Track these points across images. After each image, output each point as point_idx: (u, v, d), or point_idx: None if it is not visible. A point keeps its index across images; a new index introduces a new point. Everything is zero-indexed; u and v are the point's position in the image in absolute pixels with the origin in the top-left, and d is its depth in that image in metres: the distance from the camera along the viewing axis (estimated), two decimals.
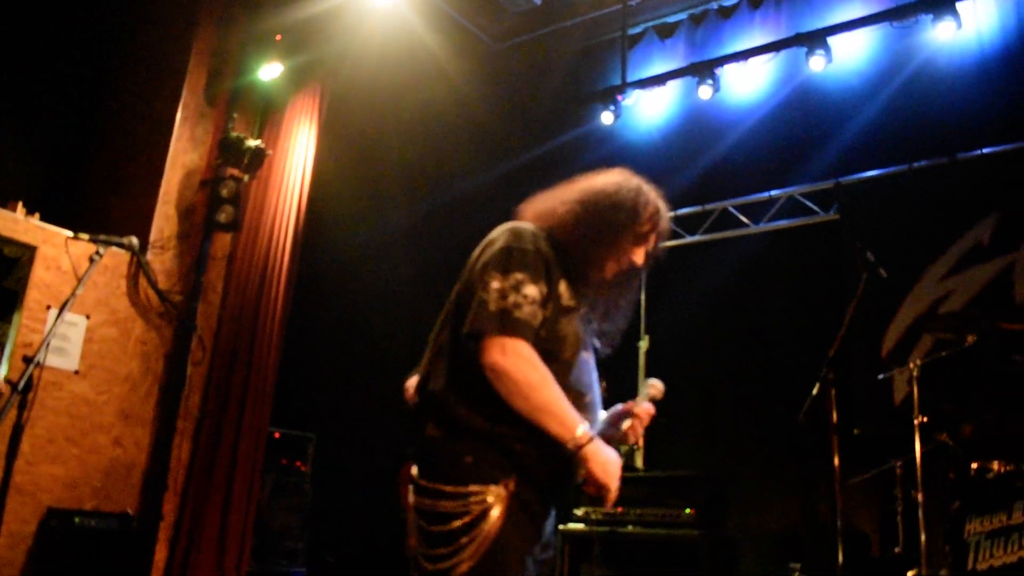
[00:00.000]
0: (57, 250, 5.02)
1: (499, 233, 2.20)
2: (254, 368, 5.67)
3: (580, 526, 5.23)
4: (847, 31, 6.08)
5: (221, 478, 5.42)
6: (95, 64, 6.19)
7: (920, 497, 4.02)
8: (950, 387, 4.49)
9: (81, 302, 4.97)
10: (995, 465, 3.75)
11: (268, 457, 5.80)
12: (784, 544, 5.54)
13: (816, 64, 6.05)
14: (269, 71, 6.00)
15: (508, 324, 2.01)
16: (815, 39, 6.04)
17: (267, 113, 6.28)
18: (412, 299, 7.09)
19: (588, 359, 2.24)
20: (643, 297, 6.21)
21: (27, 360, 3.64)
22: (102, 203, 5.81)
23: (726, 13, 6.96)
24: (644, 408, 2.34)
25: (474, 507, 1.98)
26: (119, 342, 5.33)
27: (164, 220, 5.67)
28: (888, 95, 5.99)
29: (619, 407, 2.39)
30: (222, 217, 5.71)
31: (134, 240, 5.19)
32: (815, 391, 4.08)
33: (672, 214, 3.06)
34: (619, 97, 6.84)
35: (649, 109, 7.10)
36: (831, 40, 6.04)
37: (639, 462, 5.73)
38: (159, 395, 5.53)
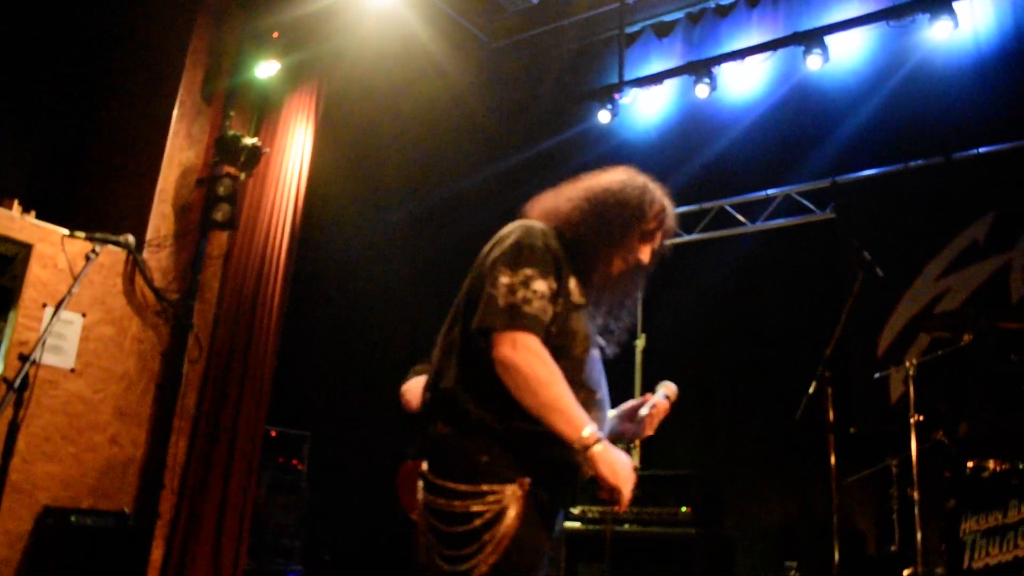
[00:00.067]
0: (53, 248, 5.01)
1: (509, 230, 2.20)
2: (250, 366, 5.66)
3: (577, 524, 5.23)
4: (844, 30, 6.08)
5: (217, 476, 5.42)
6: (92, 62, 6.18)
7: (916, 495, 4.03)
8: (946, 386, 4.49)
9: (77, 300, 4.95)
10: (991, 464, 3.75)
11: (264, 455, 5.80)
12: (781, 542, 5.55)
13: (813, 63, 6.06)
14: (266, 69, 5.99)
15: (518, 319, 2.00)
16: (812, 38, 6.05)
17: (264, 111, 6.28)
18: (409, 297, 7.10)
19: (597, 357, 2.24)
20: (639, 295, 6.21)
21: (23, 358, 3.63)
22: (98, 201, 5.80)
23: (723, 12, 6.97)
24: (661, 402, 2.35)
25: (491, 507, 1.97)
26: (115, 340, 5.32)
27: (160, 218, 5.66)
28: (885, 94, 6.00)
29: (630, 403, 2.39)
30: (218, 215, 5.70)
31: (130, 238, 5.17)
32: (811, 390, 4.09)
33: None
34: (616, 96, 6.84)
35: (646, 108, 7.10)
36: (828, 39, 6.04)
37: (635, 460, 5.74)
38: (155, 393, 5.52)
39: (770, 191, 6.47)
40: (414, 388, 4.09)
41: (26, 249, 4.92)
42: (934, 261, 5.56)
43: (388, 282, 7.22)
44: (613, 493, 1.98)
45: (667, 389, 2.40)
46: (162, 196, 5.67)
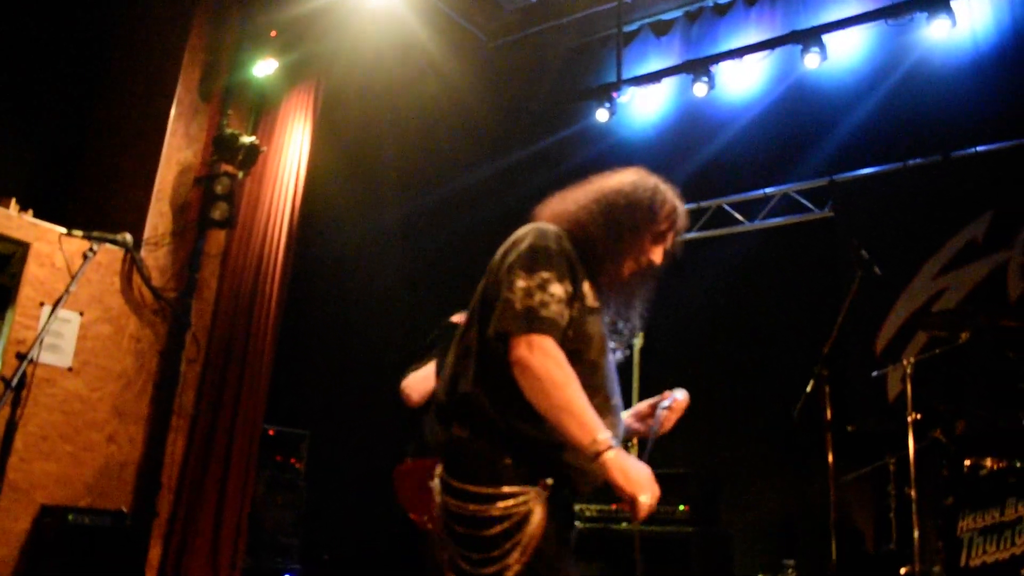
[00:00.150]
0: (51, 247, 5.00)
1: (523, 233, 2.19)
2: (248, 365, 5.66)
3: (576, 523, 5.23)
4: (842, 29, 6.08)
5: (215, 475, 5.41)
6: (90, 60, 6.17)
7: (914, 494, 4.03)
8: (944, 384, 4.50)
9: (75, 299, 4.95)
10: (988, 462, 3.76)
11: (262, 454, 5.80)
12: (778, 540, 5.55)
13: (811, 62, 6.06)
14: (264, 67, 5.99)
15: (535, 322, 2.00)
16: (810, 37, 6.05)
17: (262, 110, 6.27)
18: (407, 296, 7.10)
19: (611, 361, 2.23)
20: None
21: (20, 357, 3.63)
22: (96, 200, 5.80)
23: (721, 11, 6.96)
24: (679, 399, 2.35)
25: (517, 509, 1.97)
26: (113, 339, 5.32)
27: (158, 217, 5.66)
28: (883, 93, 6.00)
29: (644, 403, 2.39)
30: (216, 214, 5.70)
31: (128, 237, 5.17)
32: (809, 388, 4.09)
33: None
34: (614, 94, 6.83)
35: (644, 106, 7.10)
36: (826, 38, 6.04)
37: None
38: (153, 392, 5.52)
39: (768, 190, 6.47)
40: (414, 382, 4.10)
41: (23, 248, 4.91)
42: (932, 259, 5.56)
43: (386, 280, 7.21)
44: (629, 502, 1.93)
45: (680, 392, 2.40)
46: (160, 195, 5.67)
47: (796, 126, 6.33)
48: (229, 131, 5.80)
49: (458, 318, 4.21)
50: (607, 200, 2.24)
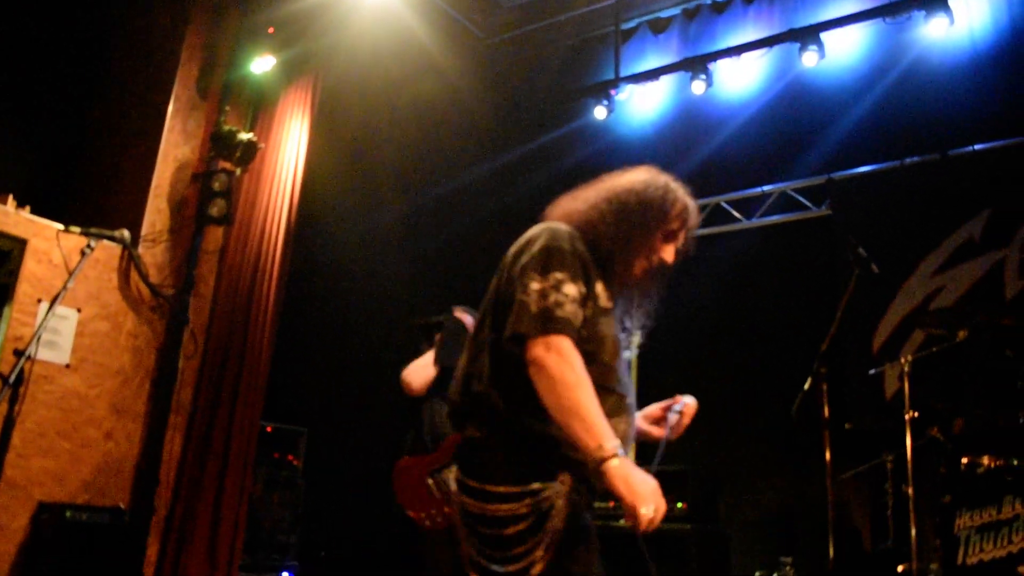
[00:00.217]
0: (48, 243, 4.99)
1: (536, 233, 2.18)
2: (246, 362, 5.65)
3: None
4: (840, 27, 6.09)
5: (213, 472, 5.41)
6: (87, 57, 6.16)
7: (911, 491, 4.04)
8: (941, 382, 4.51)
9: (72, 295, 4.94)
10: (985, 460, 3.77)
11: (260, 451, 5.79)
12: (776, 538, 5.57)
13: (809, 60, 6.07)
14: (261, 64, 5.97)
15: (551, 323, 1.99)
16: (808, 35, 6.05)
17: (259, 106, 6.26)
18: (405, 292, 7.09)
19: (624, 360, 2.23)
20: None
21: (18, 353, 3.63)
22: (93, 196, 5.79)
23: (719, 8, 6.97)
24: (690, 404, 2.37)
25: (537, 506, 1.97)
26: (110, 336, 5.31)
27: (156, 213, 5.65)
28: (881, 91, 6.01)
29: (655, 406, 2.39)
30: (214, 211, 5.68)
31: (125, 233, 5.18)
32: (807, 386, 4.10)
33: None
34: (612, 92, 6.84)
35: (642, 104, 7.10)
36: (824, 36, 6.05)
37: (631, 457, 5.73)
38: (151, 389, 5.51)
39: (766, 187, 6.47)
40: (414, 370, 4.12)
41: (21, 244, 4.90)
42: (930, 258, 5.57)
43: (384, 277, 7.21)
44: (631, 513, 1.88)
45: (689, 398, 2.41)
46: (157, 191, 5.65)
47: (794, 124, 6.34)
48: (227, 128, 5.79)
49: (459, 312, 4.22)
50: (618, 199, 2.24)
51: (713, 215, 6.71)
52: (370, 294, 7.11)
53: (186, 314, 5.65)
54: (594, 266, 2.14)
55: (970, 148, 5.59)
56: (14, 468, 4.62)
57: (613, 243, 2.18)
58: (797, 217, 6.38)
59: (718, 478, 5.40)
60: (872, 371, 5.03)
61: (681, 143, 6.73)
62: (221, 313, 5.75)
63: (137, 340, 5.46)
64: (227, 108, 5.99)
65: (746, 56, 6.51)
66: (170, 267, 5.67)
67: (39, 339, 3.77)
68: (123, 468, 5.31)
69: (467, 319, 4.20)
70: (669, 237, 2.29)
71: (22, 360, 3.59)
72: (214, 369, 5.62)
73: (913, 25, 5.88)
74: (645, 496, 1.88)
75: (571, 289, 2.04)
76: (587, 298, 2.09)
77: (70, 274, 4.03)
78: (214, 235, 5.96)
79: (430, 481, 3.86)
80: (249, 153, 5.78)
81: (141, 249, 5.50)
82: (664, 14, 7.26)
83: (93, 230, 4.43)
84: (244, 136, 5.75)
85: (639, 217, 2.22)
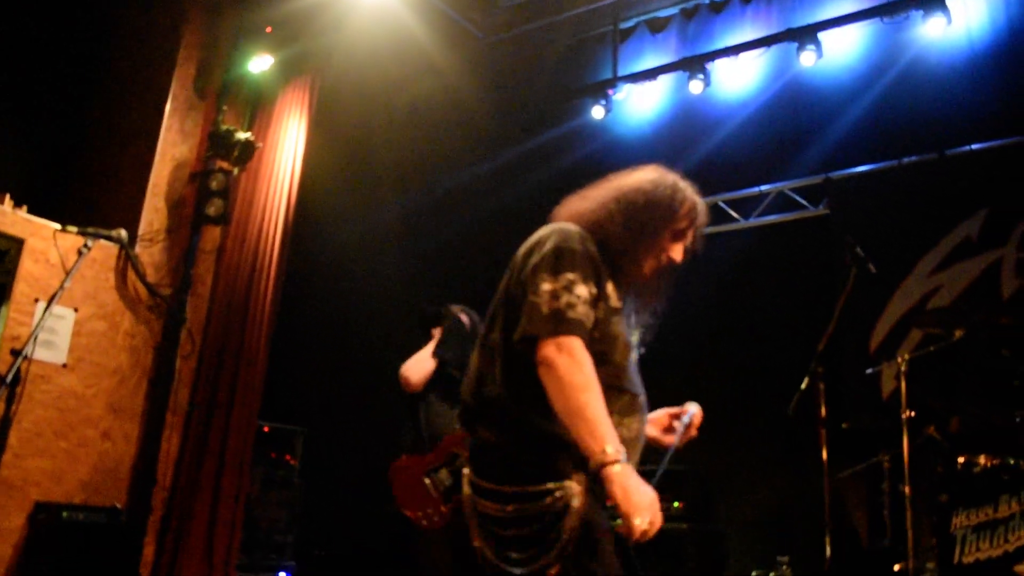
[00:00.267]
0: (45, 243, 4.99)
1: (546, 233, 2.18)
2: (243, 362, 5.65)
3: None
4: (838, 27, 6.09)
5: (210, 472, 5.41)
6: (85, 56, 6.15)
7: (908, 490, 4.04)
8: (938, 381, 4.51)
9: (69, 295, 4.94)
10: (982, 459, 3.77)
11: (257, 451, 5.79)
12: (773, 537, 5.57)
13: (807, 59, 6.07)
14: (259, 64, 5.97)
15: (562, 324, 1.99)
16: (806, 34, 6.05)
17: (257, 106, 6.26)
18: (402, 292, 7.08)
19: (634, 359, 2.23)
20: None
21: (15, 353, 3.63)
22: (91, 196, 5.78)
23: (717, 8, 6.97)
24: (697, 413, 2.37)
25: (554, 506, 1.96)
26: (107, 335, 5.30)
27: (153, 213, 5.64)
28: (878, 91, 6.01)
29: (663, 412, 2.39)
30: (211, 210, 5.69)
31: (123, 233, 5.18)
32: (804, 385, 4.10)
33: None
34: (610, 91, 6.84)
35: (640, 103, 7.10)
36: (822, 35, 6.05)
37: None
38: (148, 389, 5.51)
39: (763, 187, 6.47)
40: (412, 364, 4.12)
41: (18, 244, 4.90)
42: (927, 257, 5.57)
43: (382, 277, 7.21)
44: (624, 520, 1.87)
45: (695, 406, 2.41)
46: (155, 191, 5.65)
47: (792, 124, 6.34)
48: (224, 127, 5.79)
49: (457, 311, 4.23)
50: (626, 199, 2.23)
51: (710, 214, 6.69)
52: (368, 294, 7.11)
53: (183, 314, 5.65)
54: (604, 266, 2.14)
55: (968, 148, 5.59)
56: (11, 468, 4.62)
57: (622, 243, 2.18)
58: (795, 217, 6.38)
59: (715, 477, 5.40)
60: (869, 370, 5.02)
61: (679, 143, 6.72)
62: (218, 313, 5.75)
63: (134, 340, 5.46)
64: (225, 108, 6.00)
65: (744, 56, 6.50)
66: (167, 267, 5.67)
67: (36, 339, 3.77)
68: (120, 468, 5.31)
69: (464, 318, 4.20)
70: (678, 236, 2.29)
71: (19, 360, 3.59)
72: (211, 369, 5.62)
73: (911, 25, 5.88)
74: (641, 507, 1.87)
75: (582, 290, 2.04)
76: (598, 299, 2.09)
77: (67, 274, 4.03)
78: (211, 235, 5.96)
79: (427, 481, 3.87)
80: (247, 153, 5.78)
81: (138, 249, 5.50)
82: (662, 13, 7.26)
83: (90, 230, 4.44)
84: (242, 136, 5.75)
85: (648, 216, 2.22)
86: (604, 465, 1.88)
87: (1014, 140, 5.42)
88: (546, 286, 2.03)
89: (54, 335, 5.00)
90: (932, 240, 5.56)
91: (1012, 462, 3.69)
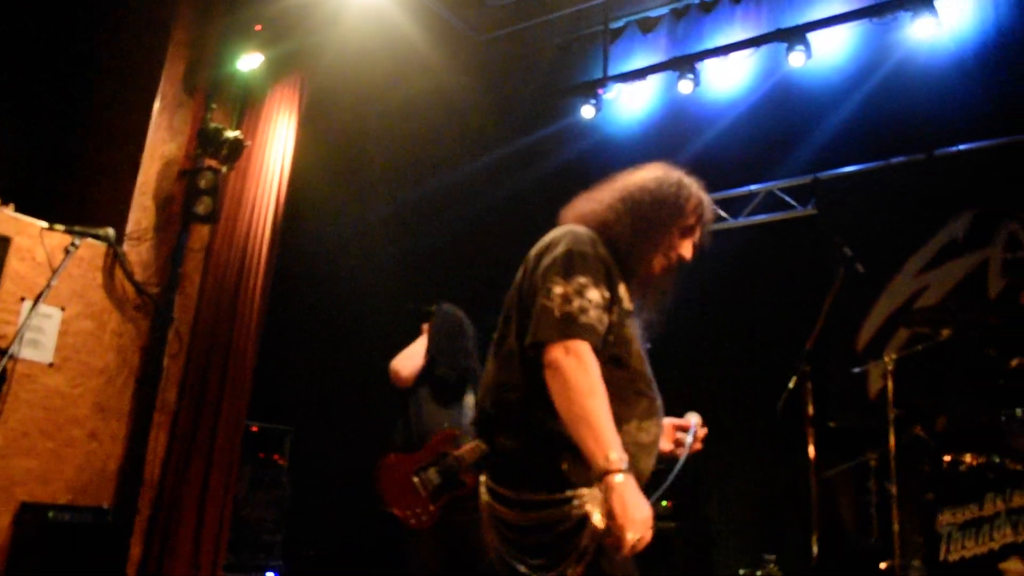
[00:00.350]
0: (32, 241, 4.96)
1: (557, 236, 2.17)
2: (232, 361, 5.63)
3: None
4: (827, 27, 6.12)
5: (198, 472, 5.38)
6: (72, 54, 6.12)
7: (894, 489, 4.07)
8: (925, 381, 4.54)
9: (56, 294, 4.91)
10: (968, 458, 3.80)
11: (245, 450, 5.77)
12: (760, 535, 5.59)
13: (796, 60, 6.09)
14: (248, 61, 5.94)
15: (573, 327, 1.97)
16: (795, 35, 6.08)
17: (246, 104, 6.23)
18: (392, 292, 7.07)
19: (647, 360, 2.22)
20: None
21: (1, 352, 3.61)
22: (78, 194, 5.75)
23: (707, 8, 6.99)
24: (697, 423, 2.38)
25: (575, 512, 1.95)
26: (94, 334, 5.27)
27: (141, 211, 5.61)
28: (867, 91, 6.04)
29: (667, 421, 2.37)
30: (200, 208, 5.66)
31: (110, 231, 5.16)
32: (792, 384, 4.11)
33: None
34: (600, 91, 6.85)
35: (630, 103, 7.11)
36: (811, 36, 6.07)
37: None
38: (135, 388, 5.48)
39: (752, 187, 6.50)
40: (403, 359, 4.12)
41: (4, 242, 4.86)
42: (914, 257, 5.61)
43: (371, 277, 7.20)
44: (616, 530, 1.85)
45: (695, 416, 2.42)
46: (143, 189, 5.62)
47: (780, 124, 6.36)
48: (213, 125, 5.77)
49: (447, 307, 4.24)
50: (632, 198, 2.23)
51: None
52: (357, 293, 7.10)
53: (171, 312, 5.62)
54: (616, 268, 2.13)
55: (955, 148, 5.62)
56: None
57: (631, 243, 2.17)
58: (783, 216, 6.41)
59: (702, 475, 5.41)
60: (856, 369, 5.05)
61: (668, 142, 6.73)
62: (206, 312, 5.72)
63: (121, 339, 5.43)
64: (214, 105, 5.96)
65: (733, 56, 6.53)
66: (155, 265, 5.64)
67: (22, 338, 3.75)
68: (107, 468, 5.28)
69: (453, 315, 4.21)
70: (686, 232, 2.28)
71: (5, 359, 3.57)
72: (199, 368, 5.59)
73: (899, 26, 5.91)
74: (636, 522, 1.85)
75: (595, 294, 2.02)
76: (612, 302, 2.07)
77: (54, 272, 4.01)
78: (200, 233, 5.93)
79: (415, 479, 3.87)
80: (235, 151, 5.76)
81: (126, 247, 5.47)
82: (653, 13, 7.27)
83: (77, 228, 4.42)
84: (231, 134, 5.73)
85: (655, 215, 2.21)
86: (607, 472, 1.86)
87: (1001, 141, 5.46)
88: (558, 289, 2.01)
89: (40, 334, 4.97)
90: (920, 240, 5.60)
91: (998, 461, 3.72)
